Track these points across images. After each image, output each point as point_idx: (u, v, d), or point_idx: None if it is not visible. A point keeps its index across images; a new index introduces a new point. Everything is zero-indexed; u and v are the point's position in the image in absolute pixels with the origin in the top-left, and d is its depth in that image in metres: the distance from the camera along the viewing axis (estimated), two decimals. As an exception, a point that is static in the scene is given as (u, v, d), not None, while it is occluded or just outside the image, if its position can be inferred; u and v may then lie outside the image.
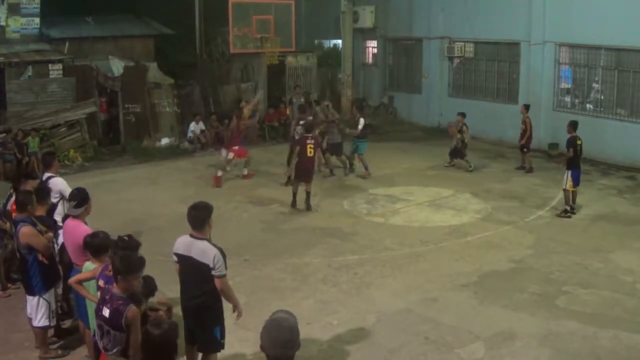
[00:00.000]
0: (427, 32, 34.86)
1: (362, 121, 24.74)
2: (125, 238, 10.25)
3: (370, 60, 40.00)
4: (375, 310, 13.79)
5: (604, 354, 12.15)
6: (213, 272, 9.76)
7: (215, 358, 10.57)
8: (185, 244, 10.03)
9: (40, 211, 12.26)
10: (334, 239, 18.25)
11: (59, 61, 28.86)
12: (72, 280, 10.42)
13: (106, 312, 8.67)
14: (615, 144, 26.45)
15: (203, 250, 9.79)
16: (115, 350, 8.74)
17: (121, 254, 9.21)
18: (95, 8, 32.77)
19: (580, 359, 12.01)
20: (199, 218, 9.88)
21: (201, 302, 10.00)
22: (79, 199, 11.49)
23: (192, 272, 9.99)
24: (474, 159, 25.48)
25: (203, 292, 9.94)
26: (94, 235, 10.39)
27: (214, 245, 9.91)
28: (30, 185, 13.60)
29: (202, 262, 9.80)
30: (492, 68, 32.58)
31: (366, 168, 24.63)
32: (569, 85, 29.45)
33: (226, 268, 9.94)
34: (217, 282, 9.81)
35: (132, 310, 8.56)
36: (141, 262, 9.15)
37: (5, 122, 26.67)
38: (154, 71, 31.41)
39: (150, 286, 10.02)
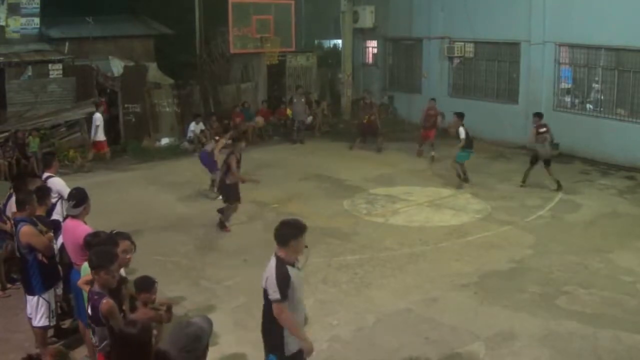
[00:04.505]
0: (427, 32, 34.86)
1: (462, 130, 23.53)
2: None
3: (370, 60, 39.99)
4: (375, 310, 13.78)
5: (604, 354, 12.12)
6: (268, 295, 9.04)
7: None
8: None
9: (40, 211, 12.26)
10: (333, 239, 18.23)
11: (59, 61, 28.89)
12: (80, 282, 10.39)
13: (89, 310, 8.78)
14: (615, 144, 26.44)
15: (268, 267, 9.15)
16: (103, 345, 8.80)
17: (94, 249, 9.24)
18: (95, 8, 32.79)
19: (580, 359, 12.00)
20: (281, 234, 9.11)
21: (262, 322, 9.47)
22: (78, 198, 11.48)
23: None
24: (473, 157, 25.25)
25: (264, 311, 9.31)
26: (95, 234, 10.37)
27: (279, 267, 8.98)
28: (36, 184, 13.64)
29: (264, 279, 9.19)
30: (492, 68, 32.57)
31: (459, 176, 23.88)
32: (569, 85, 29.43)
33: (282, 294, 8.86)
34: (272, 306, 8.98)
35: (104, 303, 8.69)
36: (110, 256, 9.14)
37: (5, 122, 26.66)
38: (153, 71, 31.46)
39: (145, 286, 10.01)
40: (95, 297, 8.78)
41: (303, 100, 32.30)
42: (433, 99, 28.78)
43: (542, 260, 16.69)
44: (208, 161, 22.69)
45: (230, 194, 19.11)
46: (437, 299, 14.49)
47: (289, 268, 8.99)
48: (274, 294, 8.85)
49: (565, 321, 13.37)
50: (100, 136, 26.72)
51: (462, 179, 23.67)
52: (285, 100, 34.88)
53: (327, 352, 12.23)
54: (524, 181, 23.42)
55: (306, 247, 9.21)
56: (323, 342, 12.49)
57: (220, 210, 19.42)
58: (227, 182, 18.86)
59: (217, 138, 24.44)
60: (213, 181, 22.14)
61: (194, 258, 16.95)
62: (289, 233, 9.07)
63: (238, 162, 19.22)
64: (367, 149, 29.72)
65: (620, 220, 20.12)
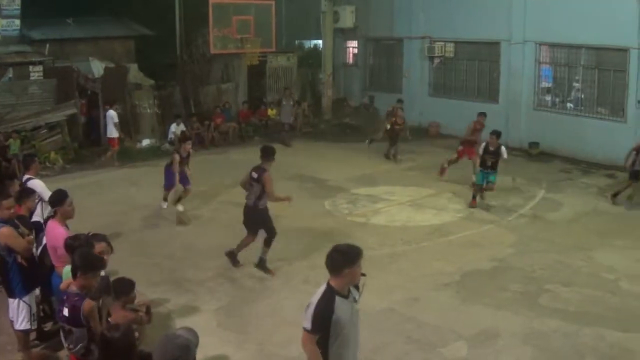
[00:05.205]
0: (408, 32, 34.90)
1: (504, 150, 21.14)
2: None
3: (350, 60, 39.96)
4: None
5: (587, 351, 12.19)
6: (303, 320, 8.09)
7: None
8: None
9: (22, 211, 12.22)
10: (315, 239, 18.18)
11: (40, 63, 28.74)
12: (63, 285, 10.34)
13: (65, 312, 8.76)
14: (596, 142, 26.57)
15: (316, 292, 8.20)
16: (78, 348, 8.77)
17: (81, 251, 9.20)
18: (76, 9, 32.71)
19: (563, 357, 12.06)
20: (334, 262, 8.12)
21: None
22: (53, 199, 11.49)
23: None
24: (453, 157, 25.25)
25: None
26: (75, 237, 10.33)
27: (326, 297, 8.04)
28: (15, 186, 13.59)
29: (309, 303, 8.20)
30: (472, 67, 32.68)
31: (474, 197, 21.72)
32: (550, 85, 29.56)
33: (313, 326, 7.96)
34: (303, 333, 8.10)
35: (87, 303, 8.67)
36: (101, 261, 9.14)
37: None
38: (134, 72, 31.37)
39: (123, 287, 9.98)
40: (75, 298, 8.74)
41: (292, 102, 32.26)
42: (484, 114, 24.50)
43: (524, 259, 16.75)
44: (167, 174, 20.51)
45: (265, 220, 16.08)
46: (419, 299, 14.50)
47: (339, 300, 8.05)
48: (306, 323, 7.98)
49: (548, 319, 13.42)
50: (114, 133, 27.17)
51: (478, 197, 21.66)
52: (266, 101, 34.87)
53: (310, 352, 12.23)
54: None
55: (363, 274, 8.29)
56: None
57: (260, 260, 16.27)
58: (261, 206, 15.90)
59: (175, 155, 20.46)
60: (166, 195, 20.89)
61: (175, 259, 16.87)
62: (343, 260, 8.08)
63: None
64: (351, 149, 29.73)
65: (601, 219, 20.23)
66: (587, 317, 13.56)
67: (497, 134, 20.94)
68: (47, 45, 30.81)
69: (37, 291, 12.32)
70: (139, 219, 20.04)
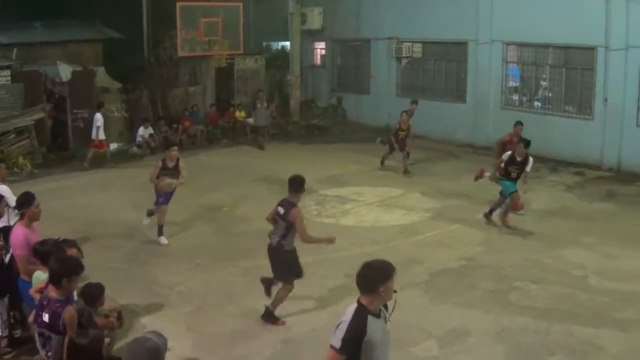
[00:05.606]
0: (375, 33, 34.97)
1: (531, 161, 19.01)
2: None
3: (318, 61, 40.05)
4: (328, 310, 13.74)
5: (557, 348, 12.25)
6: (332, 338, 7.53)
7: None
8: None
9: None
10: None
11: (7, 67, 28.44)
12: (32, 290, 10.27)
13: (46, 317, 8.67)
14: (564, 140, 26.76)
15: (347, 311, 7.69)
16: (55, 355, 8.71)
17: (58, 257, 9.13)
18: (43, 13, 32.44)
19: (533, 354, 12.11)
20: (368, 280, 7.65)
21: None
22: (21, 201, 11.43)
23: None
24: (422, 157, 25.27)
25: None
26: (42, 242, 10.27)
27: (359, 318, 7.48)
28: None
29: (338, 322, 7.66)
30: (440, 68, 32.77)
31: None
32: (517, 84, 29.71)
33: (343, 346, 7.39)
34: (329, 349, 7.53)
35: (68, 311, 8.58)
36: (80, 263, 9.09)
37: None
38: (102, 76, 31.16)
39: (95, 292, 9.93)
40: (57, 304, 8.64)
41: (266, 105, 32.21)
42: (521, 123, 22.34)
43: (493, 257, 16.82)
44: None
45: (292, 265, 13.57)
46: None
47: (371, 320, 7.50)
48: (335, 341, 7.40)
49: (518, 317, 13.47)
50: (102, 135, 27.01)
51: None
52: (235, 103, 34.80)
53: (282, 353, 12.21)
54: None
55: (395, 291, 7.75)
56: (277, 343, 12.49)
57: (270, 306, 13.72)
58: (287, 247, 13.38)
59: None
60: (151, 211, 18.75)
61: (145, 264, 16.73)
62: (378, 278, 7.56)
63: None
64: (319, 150, 29.76)
65: (569, 216, 20.36)
66: (557, 313, 13.64)
67: (526, 142, 19.06)
68: (15, 50, 30.54)
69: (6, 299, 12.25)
70: (108, 224, 19.86)
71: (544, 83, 28.54)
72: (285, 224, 13.04)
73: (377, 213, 20.85)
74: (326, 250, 16.83)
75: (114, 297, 11.23)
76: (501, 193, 19.38)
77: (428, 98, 32.22)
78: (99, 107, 27.46)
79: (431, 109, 30.89)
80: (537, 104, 28.83)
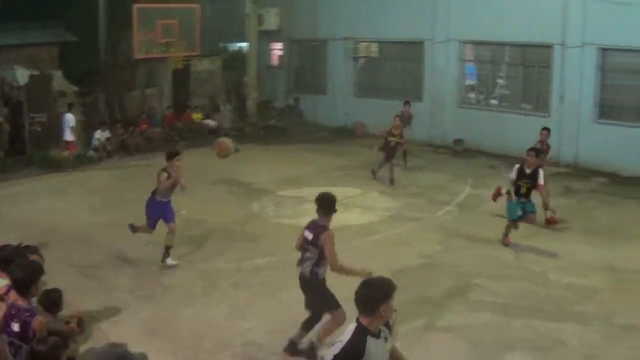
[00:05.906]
0: (332, 33, 34.96)
1: (542, 173, 17.55)
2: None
3: (275, 62, 40.01)
4: (288, 313, 13.64)
5: (518, 343, 12.30)
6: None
7: None
8: None
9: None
10: (243, 242, 18.15)
11: (-36, 72, 28.25)
12: None
13: (16, 327, 8.49)
14: (521, 138, 26.68)
15: (345, 332, 7.22)
16: None
17: (20, 263, 8.99)
18: (0, 16, 32.16)
19: (495, 349, 12.12)
20: (368, 300, 7.08)
21: None
22: None
23: None
24: (380, 156, 25.30)
25: None
26: (1, 248, 10.13)
27: (357, 338, 7.00)
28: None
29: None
30: (396, 67, 32.88)
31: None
32: (474, 82, 29.85)
33: None
34: None
35: (37, 320, 8.43)
36: (41, 266, 8.98)
37: None
38: (59, 80, 30.90)
39: (55, 298, 9.81)
40: (27, 314, 8.49)
41: (229, 107, 32.06)
42: (547, 129, 21.50)
43: (452, 255, 16.88)
44: (150, 206, 16.99)
45: (326, 296, 12.07)
46: (348, 298, 14.30)
47: (371, 341, 7.03)
48: (328, 357, 7.00)
49: (479, 313, 13.50)
50: (70, 136, 27.17)
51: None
52: (191, 105, 34.67)
53: (241, 356, 12.10)
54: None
55: (395, 310, 7.27)
56: (237, 346, 12.38)
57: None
58: (320, 276, 12.01)
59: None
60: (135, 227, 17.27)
61: (105, 268, 16.47)
62: (379, 297, 7.04)
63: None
64: (277, 151, 29.72)
65: (527, 213, 20.44)
66: (517, 309, 13.70)
67: (536, 151, 18.05)
68: (-29, 54, 30.30)
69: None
70: (67, 228, 19.64)
71: (501, 81, 28.75)
72: (317, 249, 11.73)
73: (336, 213, 20.80)
74: (284, 251, 16.66)
75: (73, 303, 11.08)
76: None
77: (385, 97, 32.26)
78: (70, 107, 27.34)
79: (389, 108, 30.89)
80: (493, 102, 29.01)
